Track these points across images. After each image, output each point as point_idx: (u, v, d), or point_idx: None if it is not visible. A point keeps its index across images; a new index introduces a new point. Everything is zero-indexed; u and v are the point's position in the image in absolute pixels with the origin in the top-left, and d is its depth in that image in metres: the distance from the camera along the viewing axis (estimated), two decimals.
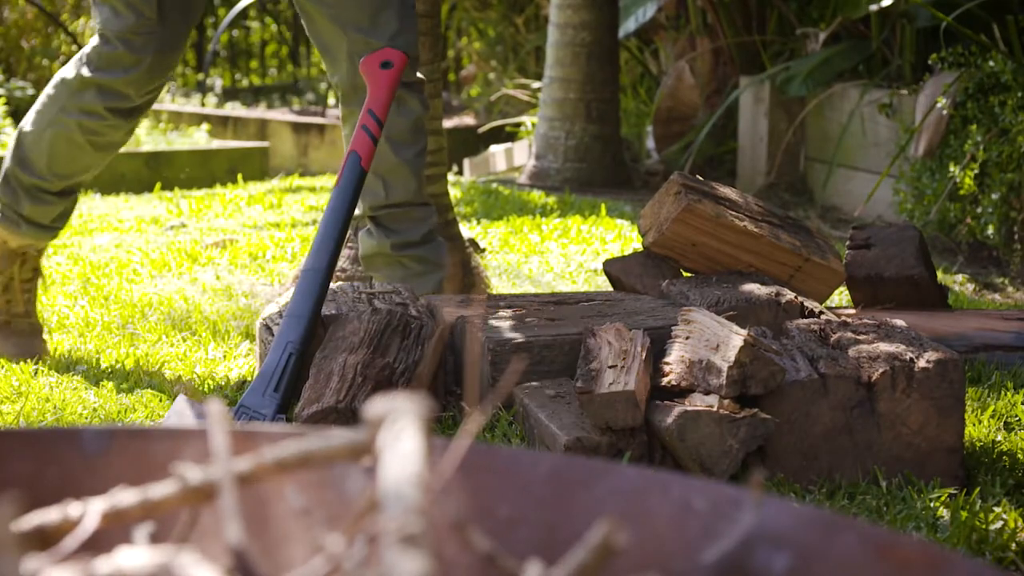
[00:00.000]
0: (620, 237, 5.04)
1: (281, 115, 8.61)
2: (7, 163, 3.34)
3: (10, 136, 7.11)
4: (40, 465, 1.08)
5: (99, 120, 3.23)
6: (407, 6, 3.28)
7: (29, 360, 3.26)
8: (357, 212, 3.44)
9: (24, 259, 3.40)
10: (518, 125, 7.85)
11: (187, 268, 4.39)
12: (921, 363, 2.47)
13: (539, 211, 5.69)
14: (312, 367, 2.70)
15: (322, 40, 3.30)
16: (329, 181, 6.86)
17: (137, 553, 0.90)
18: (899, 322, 2.69)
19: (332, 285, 3.03)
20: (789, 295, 2.87)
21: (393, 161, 3.33)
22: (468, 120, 8.68)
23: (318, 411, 2.54)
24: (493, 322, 2.82)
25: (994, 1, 5.31)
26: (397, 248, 3.40)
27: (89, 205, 5.96)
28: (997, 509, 2.28)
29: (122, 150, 6.77)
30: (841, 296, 3.89)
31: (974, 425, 2.74)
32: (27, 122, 3.30)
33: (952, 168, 4.90)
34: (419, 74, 3.35)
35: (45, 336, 3.42)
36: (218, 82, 10.79)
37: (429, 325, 2.85)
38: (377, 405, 0.97)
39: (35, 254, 3.41)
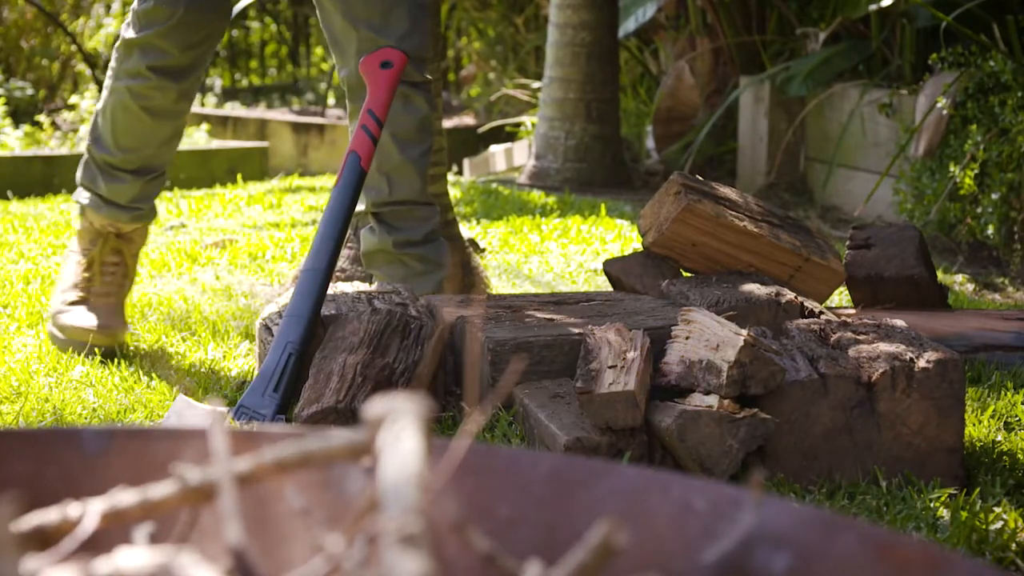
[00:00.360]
0: (620, 237, 5.04)
1: (281, 115, 8.61)
2: (86, 143, 3.39)
3: (9, 136, 7.11)
4: (39, 465, 1.08)
5: (145, 82, 3.24)
6: (419, 6, 3.28)
7: (105, 337, 3.27)
8: (360, 209, 3.44)
9: (105, 239, 3.39)
10: (518, 125, 7.85)
11: (187, 268, 4.39)
12: (921, 363, 2.46)
13: (539, 211, 5.69)
14: (312, 367, 2.70)
15: (333, 34, 3.32)
16: (329, 181, 6.86)
17: (137, 553, 0.90)
18: (899, 322, 2.69)
19: (331, 285, 3.03)
20: (789, 295, 2.87)
21: (398, 159, 3.34)
22: (468, 120, 8.68)
23: (318, 411, 2.54)
24: (492, 322, 2.82)
25: (994, 1, 5.31)
26: (399, 246, 3.40)
27: None
28: (997, 509, 2.28)
29: None
30: (841, 296, 3.89)
31: (974, 425, 2.74)
32: (100, 99, 3.37)
33: (952, 168, 4.90)
34: (427, 75, 3.37)
35: (126, 325, 3.38)
36: (217, 82, 10.80)
37: (429, 325, 2.85)
38: (377, 405, 0.97)
39: (115, 236, 3.39)
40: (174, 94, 3.27)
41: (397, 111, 3.31)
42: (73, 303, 3.33)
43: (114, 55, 3.32)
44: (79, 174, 3.41)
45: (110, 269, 3.39)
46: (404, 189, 3.39)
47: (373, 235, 3.44)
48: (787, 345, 2.57)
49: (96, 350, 3.27)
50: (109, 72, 3.33)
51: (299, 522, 1.05)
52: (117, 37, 3.31)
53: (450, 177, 6.35)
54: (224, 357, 3.31)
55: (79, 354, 3.24)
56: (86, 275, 3.37)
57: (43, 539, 0.96)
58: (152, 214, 3.45)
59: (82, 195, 3.40)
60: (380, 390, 2.59)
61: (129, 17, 3.28)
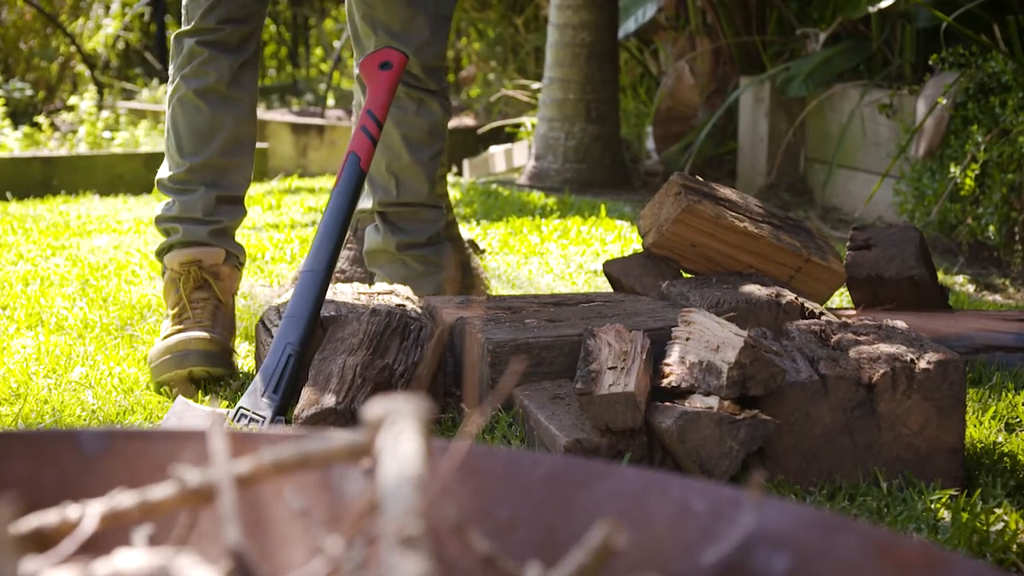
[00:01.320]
0: (620, 238, 5.04)
1: (280, 116, 8.60)
2: (156, 178, 3.30)
3: (8, 137, 7.11)
4: (38, 467, 1.08)
5: (198, 59, 3.20)
6: (441, 18, 3.30)
7: (209, 343, 3.07)
8: (365, 207, 3.45)
9: (188, 274, 3.18)
10: (518, 126, 7.85)
11: None
12: (922, 364, 2.46)
13: (539, 212, 5.68)
14: (311, 368, 2.69)
15: (355, 31, 3.36)
16: (328, 182, 6.85)
17: (136, 555, 0.90)
18: (899, 323, 2.69)
19: (331, 287, 3.03)
20: (789, 296, 2.86)
21: (407, 161, 3.36)
22: (468, 121, 8.67)
23: (317, 412, 2.54)
24: (492, 323, 2.82)
25: (995, 1, 5.30)
26: (402, 248, 3.41)
27: (88, 206, 5.96)
28: (998, 511, 2.28)
29: (120, 151, 6.79)
30: (841, 297, 3.88)
31: (975, 426, 2.74)
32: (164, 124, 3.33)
33: (953, 169, 4.89)
34: (443, 83, 3.38)
35: (232, 347, 3.18)
36: None
37: (428, 326, 2.85)
38: (376, 407, 0.96)
39: (197, 268, 3.19)
40: (227, 73, 3.21)
41: (410, 113, 3.33)
42: (168, 335, 3.12)
43: (171, 64, 3.30)
44: (156, 216, 3.28)
45: (199, 304, 3.17)
46: (411, 191, 3.40)
47: (377, 234, 3.45)
48: (787, 346, 2.57)
49: (191, 383, 3.04)
50: (167, 91, 3.30)
51: (298, 524, 1.05)
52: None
53: (450, 178, 6.35)
54: None
55: (174, 389, 3.01)
56: (175, 312, 3.17)
57: (42, 541, 0.96)
58: (236, 246, 3.27)
59: (160, 241, 3.28)
60: (380, 391, 2.58)
61: (183, 16, 3.28)
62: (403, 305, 2.93)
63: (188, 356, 3.04)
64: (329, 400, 2.56)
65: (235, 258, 3.28)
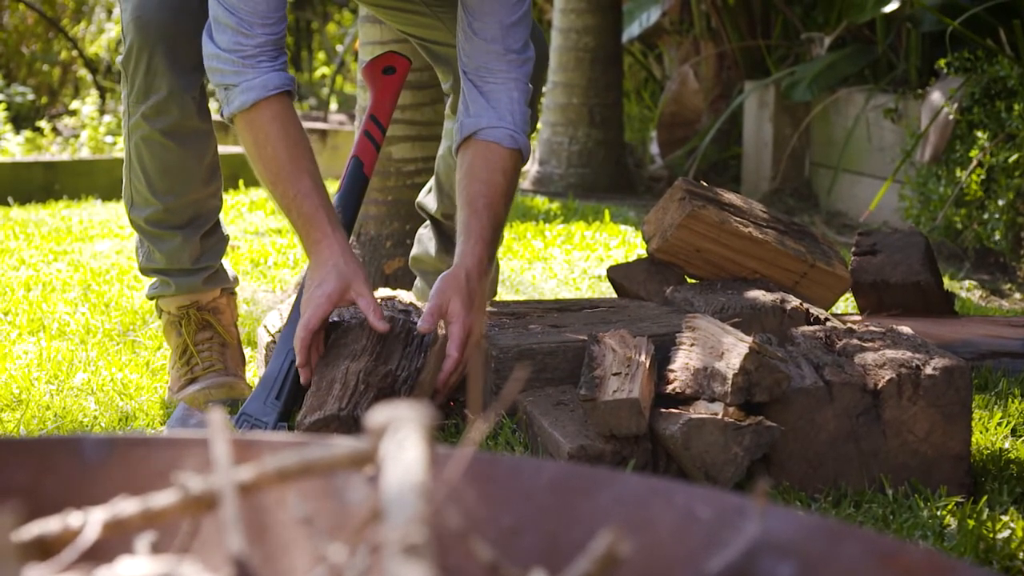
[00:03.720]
0: (624, 243, 5.04)
1: None
2: (128, 217, 3.05)
3: (10, 142, 7.11)
4: (40, 474, 1.08)
5: (158, 99, 2.88)
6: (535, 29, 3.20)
7: (228, 390, 2.97)
8: (429, 206, 3.34)
9: (188, 319, 3.03)
10: None
11: None
12: (927, 370, 2.45)
13: (542, 217, 5.68)
14: (314, 374, 2.69)
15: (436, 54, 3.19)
16: (331, 187, 6.84)
17: (138, 563, 0.89)
18: (905, 329, 2.68)
19: None
20: (794, 302, 2.86)
21: None
22: None
23: (320, 419, 2.53)
24: (496, 329, 2.81)
25: (1001, 5, 5.30)
26: None
27: (90, 211, 5.96)
28: (1004, 518, 2.27)
29: (122, 155, 6.78)
30: (847, 302, 3.88)
31: (981, 433, 2.73)
32: (124, 160, 3.05)
33: (958, 173, 4.89)
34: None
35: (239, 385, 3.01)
36: None
37: (432, 332, 2.84)
38: (379, 413, 0.96)
39: (195, 310, 3.03)
40: (192, 105, 2.91)
41: None
42: (182, 387, 3.00)
43: (123, 88, 2.98)
44: (137, 261, 3.09)
45: (204, 346, 3.02)
46: None
47: (429, 245, 3.35)
48: (792, 352, 2.56)
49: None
50: (123, 121, 3.00)
51: (301, 531, 1.04)
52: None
53: None
54: None
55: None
56: (182, 361, 3.02)
57: (44, 548, 0.96)
58: (228, 280, 3.11)
59: (149, 286, 3.09)
60: (383, 398, 2.58)
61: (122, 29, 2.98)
62: (406, 311, 2.92)
63: (210, 404, 2.94)
64: (332, 406, 2.55)
65: (229, 288, 3.13)
